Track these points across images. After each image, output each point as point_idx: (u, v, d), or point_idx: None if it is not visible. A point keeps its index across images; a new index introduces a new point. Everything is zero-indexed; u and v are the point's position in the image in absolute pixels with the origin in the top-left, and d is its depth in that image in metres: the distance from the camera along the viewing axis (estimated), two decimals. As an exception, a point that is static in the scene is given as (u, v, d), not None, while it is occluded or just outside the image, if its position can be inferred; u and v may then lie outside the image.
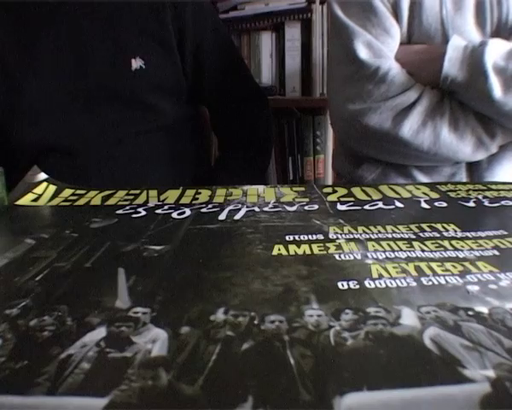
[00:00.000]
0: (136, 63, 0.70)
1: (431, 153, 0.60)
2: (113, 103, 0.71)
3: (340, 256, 0.30)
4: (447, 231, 0.35)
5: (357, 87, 0.62)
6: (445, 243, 0.32)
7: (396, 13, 0.62)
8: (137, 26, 0.70)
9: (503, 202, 0.43)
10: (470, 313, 0.23)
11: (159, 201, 0.46)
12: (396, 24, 0.62)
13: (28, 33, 0.68)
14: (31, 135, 0.70)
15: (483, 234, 0.34)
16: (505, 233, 0.34)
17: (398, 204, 0.43)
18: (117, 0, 0.70)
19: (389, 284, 0.26)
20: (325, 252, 0.31)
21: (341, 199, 0.45)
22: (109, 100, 0.71)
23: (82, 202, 0.47)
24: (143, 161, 0.74)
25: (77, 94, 0.70)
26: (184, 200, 0.46)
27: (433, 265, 0.28)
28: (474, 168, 0.64)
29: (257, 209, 0.42)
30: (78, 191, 0.50)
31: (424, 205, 0.43)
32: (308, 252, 0.31)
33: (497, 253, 0.30)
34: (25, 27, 0.68)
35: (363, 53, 0.61)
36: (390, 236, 0.34)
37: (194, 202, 0.45)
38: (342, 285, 0.26)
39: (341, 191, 0.48)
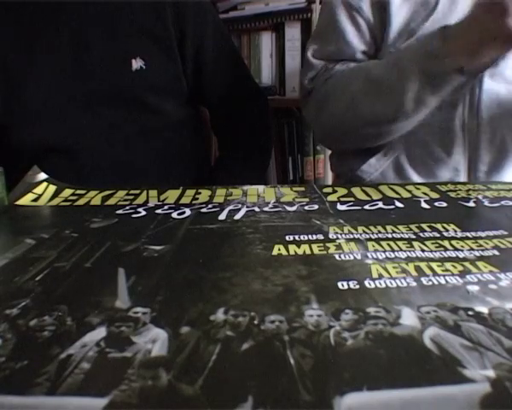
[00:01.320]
0: (137, 63, 0.70)
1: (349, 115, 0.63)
2: (113, 104, 0.71)
3: (340, 256, 0.30)
4: (447, 231, 0.35)
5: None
6: (445, 243, 0.32)
7: (384, 14, 0.62)
8: (138, 26, 0.70)
9: (503, 202, 0.43)
10: (470, 313, 0.23)
11: (159, 201, 0.46)
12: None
13: (28, 33, 0.68)
14: (31, 135, 0.70)
15: (483, 234, 0.34)
16: (505, 233, 0.34)
17: (398, 204, 0.43)
18: (117, 0, 0.70)
19: (389, 284, 0.26)
20: (325, 252, 0.31)
21: (341, 199, 0.45)
22: (109, 100, 0.71)
23: (82, 202, 0.47)
24: (143, 161, 0.74)
25: (77, 94, 0.70)
26: (184, 200, 0.46)
27: (433, 265, 0.28)
28: (472, 177, 0.64)
29: (257, 209, 0.42)
30: (78, 191, 0.50)
31: (424, 205, 0.43)
32: (308, 252, 0.31)
33: (497, 253, 0.30)
34: (25, 27, 0.68)
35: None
36: (390, 236, 0.34)
37: (194, 202, 0.45)
38: (342, 285, 0.26)
39: (341, 191, 0.48)
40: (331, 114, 0.66)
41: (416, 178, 0.66)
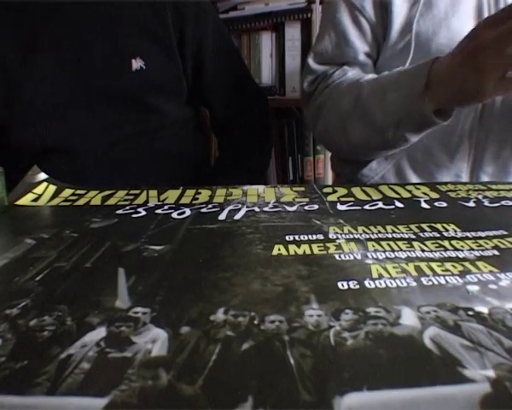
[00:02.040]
0: (137, 63, 0.70)
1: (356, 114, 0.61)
2: (113, 104, 0.71)
3: (340, 256, 0.30)
4: (447, 231, 0.35)
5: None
6: (445, 243, 0.32)
7: (385, 14, 0.62)
8: (138, 26, 0.70)
9: (503, 202, 0.43)
10: (470, 313, 0.23)
11: (159, 201, 0.46)
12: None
13: (28, 33, 0.68)
14: (31, 135, 0.70)
15: (483, 234, 0.34)
16: (505, 233, 0.34)
17: (398, 204, 0.43)
18: (117, 0, 0.70)
19: (389, 284, 0.26)
20: (325, 252, 0.31)
21: (341, 199, 0.45)
22: (109, 100, 0.71)
23: (82, 202, 0.47)
24: (143, 161, 0.74)
25: (77, 94, 0.70)
26: (184, 200, 0.46)
27: (433, 265, 0.28)
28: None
29: (257, 209, 0.42)
30: (78, 191, 0.50)
31: (424, 205, 0.43)
32: (308, 252, 0.31)
33: (497, 253, 0.30)
34: (25, 27, 0.68)
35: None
36: (390, 236, 0.34)
37: (194, 202, 0.45)
38: (342, 285, 0.26)
39: (341, 191, 0.48)
40: (325, 126, 0.66)
41: (416, 180, 0.65)
